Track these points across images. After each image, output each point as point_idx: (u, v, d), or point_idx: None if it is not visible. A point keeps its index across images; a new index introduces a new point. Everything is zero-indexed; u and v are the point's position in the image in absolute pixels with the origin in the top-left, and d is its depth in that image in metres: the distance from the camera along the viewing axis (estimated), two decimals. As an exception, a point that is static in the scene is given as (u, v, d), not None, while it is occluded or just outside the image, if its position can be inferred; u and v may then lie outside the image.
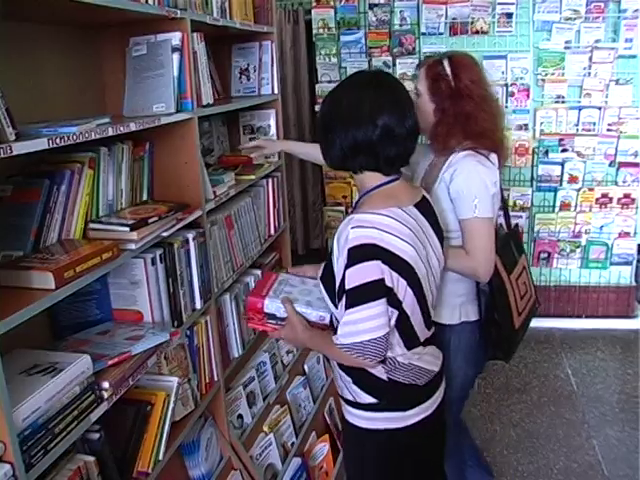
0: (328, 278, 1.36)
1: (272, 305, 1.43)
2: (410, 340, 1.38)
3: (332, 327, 1.41)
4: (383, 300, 1.27)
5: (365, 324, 1.26)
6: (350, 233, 1.26)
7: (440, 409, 1.48)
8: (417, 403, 1.41)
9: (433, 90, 1.69)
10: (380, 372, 1.37)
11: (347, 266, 1.26)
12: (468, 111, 1.64)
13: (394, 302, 1.30)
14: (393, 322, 1.32)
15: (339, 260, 1.29)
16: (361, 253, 1.25)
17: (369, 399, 1.40)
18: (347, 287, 1.27)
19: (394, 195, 1.37)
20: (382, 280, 1.26)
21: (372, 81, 1.38)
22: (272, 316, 1.44)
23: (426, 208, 1.43)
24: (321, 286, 1.41)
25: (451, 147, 1.67)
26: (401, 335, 1.36)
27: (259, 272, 2.21)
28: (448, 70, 1.67)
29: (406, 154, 1.39)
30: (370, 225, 1.26)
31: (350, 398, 1.44)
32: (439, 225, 1.47)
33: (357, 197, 1.44)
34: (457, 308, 1.76)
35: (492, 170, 1.65)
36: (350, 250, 1.25)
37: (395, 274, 1.27)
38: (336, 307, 1.35)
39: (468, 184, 1.61)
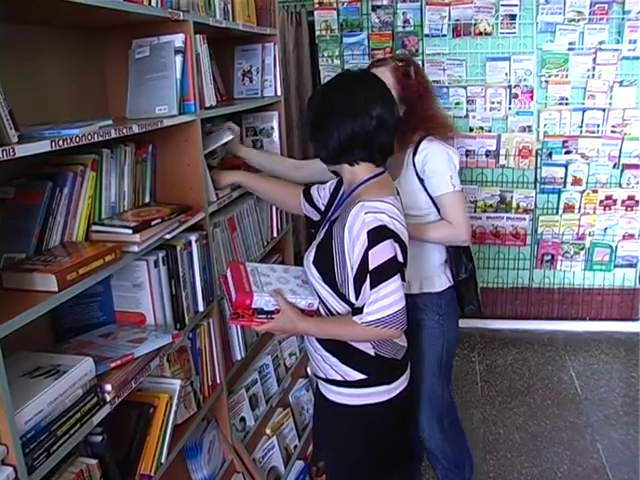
0: (325, 262, 1.46)
1: (261, 300, 1.44)
2: None
3: (320, 313, 1.50)
4: (399, 275, 1.40)
5: (391, 297, 1.37)
6: (366, 218, 1.37)
7: (410, 383, 1.62)
8: (398, 376, 1.55)
9: (403, 91, 1.83)
10: (368, 348, 1.49)
11: (368, 248, 1.36)
12: (432, 109, 1.87)
13: (403, 276, 1.43)
14: None
15: (355, 245, 1.38)
16: (378, 234, 1.37)
17: (359, 376, 1.50)
18: (371, 267, 1.37)
19: (387, 185, 1.51)
20: (396, 256, 1.39)
21: (361, 77, 1.52)
22: (260, 310, 1.45)
23: (400, 199, 1.57)
24: (314, 270, 1.48)
25: (412, 141, 1.86)
26: None
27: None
28: (412, 72, 1.86)
29: (392, 144, 1.51)
30: (380, 211, 1.38)
31: (337, 378, 1.52)
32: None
33: (348, 190, 1.52)
34: (443, 274, 1.98)
35: (455, 151, 1.89)
36: (369, 232, 1.36)
37: (401, 253, 1.41)
38: (332, 289, 1.46)
39: (441, 164, 1.83)
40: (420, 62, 3.56)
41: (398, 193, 1.57)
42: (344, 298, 1.46)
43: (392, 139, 1.50)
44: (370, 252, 1.36)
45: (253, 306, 1.44)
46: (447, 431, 2.09)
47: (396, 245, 1.39)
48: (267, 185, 1.95)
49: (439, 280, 1.96)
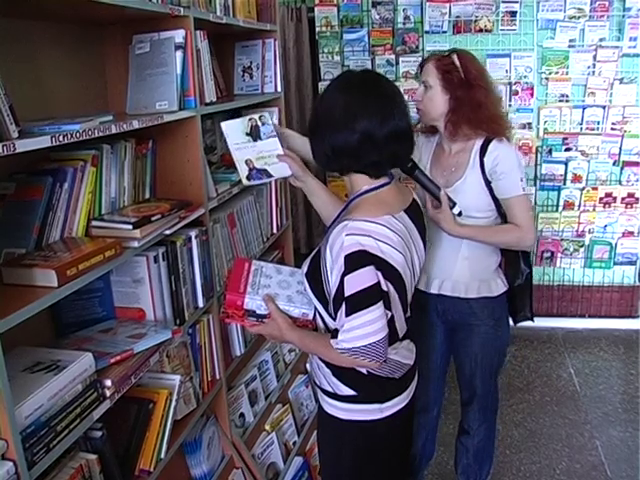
0: (315, 277, 1.37)
1: (252, 303, 1.41)
2: (391, 337, 1.39)
3: (315, 324, 1.44)
4: (381, 303, 1.28)
5: (367, 328, 1.27)
6: (345, 240, 1.26)
7: (413, 401, 1.53)
8: (393, 396, 1.45)
9: (445, 81, 1.79)
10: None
11: (344, 274, 1.26)
12: (479, 99, 1.77)
13: (387, 304, 1.31)
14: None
15: (334, 268, 1.29)
16: (356, 259, 1.25)
17: (348, 391, 1.43)
18: (347, 294, 1.27)
19: (386, 201, 1.37)
20: (378, 284, 1.27)
21: (356, 83, 1.36)
22: (252, 312, 1.42)
23: (415, 211, 1.45)
24: (306, 283, 1.42)
25: (463, 133, 1.80)
26: None
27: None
28: (457, 63, 1.79)
29: (394, 158, 1.38)
30: (366, 233, 1.26)
31: (329, 389, 1.46)
32: (424, 226, 1.50)
33: (347, 201, 1.44)
34: (499, 278, 1.94)
35: (520, 153, 1.86)
36: (346, 257, 1.25)
37: (386, 280, 1.30)
38: (322, 304, 1.38)
39: (513, 165, 1.78)
40: (420, 59, 3.55)
41: (414, 205, 1.45)
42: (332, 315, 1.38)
43: (389, 153, 1.34)
44: (346, 278, 1.25)
45: (245, 307, 1.41)
46: (488, 428, 2.12)
47: (379, 273, 1.27)
48: (326, 196, 1.63)
49: (495, 284, 1.92)
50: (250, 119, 1.56)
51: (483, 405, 2.08)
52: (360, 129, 1.29)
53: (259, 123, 1.56)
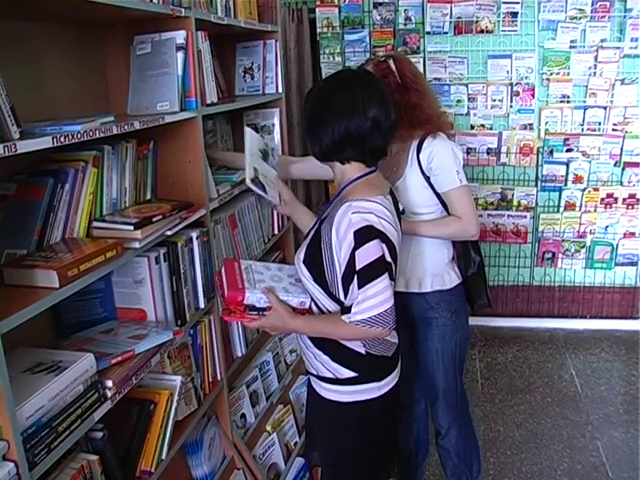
0: (314, 261, 1.46)
1: (253, 297, 1.44)
2: None
3: (312, 311, 1.50)
4: (387, 274, 1.39)
5: (379, 297, 1.37)
6: (352, 218, 1.36)
7: (400, 379, 1.63)
8: (388, 373, 1.56)
9: None
10: (359, 346, 1.50)
11: (355, 248, 1.36)
12: (414, 101, 1.83)
13: (392, 275, 1.42)
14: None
15: (342, 245, 1.38)
16: (365, 234, 1.36)
17: (349, 373, 1.51)
18: (358, 267, 1.37)
19: (377, 185, 1.50)
20: (383, 256, 1.38)
21: (360, 77, 1.50)
22: (252, 307, 1.46)
23: (394, 198, 1.57)
24: (304, 269, 1.48)
25: (399, 135, 1.80)
26: None
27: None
28: (393, 67, 1.85)
29: (386, 146, 1.51)
30: (368, 211, 1.38)
31: (329, 376, 1.53)
32: (399, 213, 1.60)
33: (338, 189, 1.52)
34: (452, 271, 1.98)
35: (458, 147, 1.90)
36: (356, 233, 1.36)
37: (388, 253, 1.40)
38: (323, 288, 1.46)
39: (447, 159, 1.83)
40: (422, 59, 3.56)
41: (391, 192, 1.56)
42: (334, 297, 1.46)
43: (386, 142, 1.49)
44: (357, 252, 1.36)
45: (245, 302, 1.44)
46: (461, 426, 2.12)
47: (383, 245, 1.38)
48: (311, 220, 1.78)
49: (449, 277, 1.96)
50: (267, 144, 1.88)
51: (450, 403, 2.07)
52: (371, 116, 1.42)
53: (270, 152, 1.91)
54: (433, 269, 1.94)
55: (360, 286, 1.37)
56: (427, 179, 1.86)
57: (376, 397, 1.52)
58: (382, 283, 1.37)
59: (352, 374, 1.50)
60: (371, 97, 1.43)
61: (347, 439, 1.56)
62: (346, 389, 1.52)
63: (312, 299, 1.50)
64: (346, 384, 1.51)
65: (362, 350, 1.50)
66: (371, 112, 1.41)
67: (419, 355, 2.06)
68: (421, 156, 1.84)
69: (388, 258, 1.40)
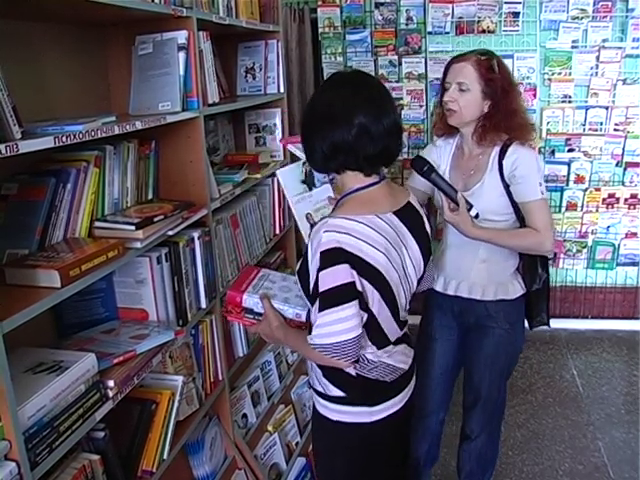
0: (303, 274, 1.37)
1: (250, 300, 1.45)
2: (380, 341, 1.40)
3: (308, 324, 1.42)
4: (355, 302, 1.28)
5: (338, 326, 1.27)
6: (323, 237, 1.27)
7: (407, 406, 1.50)
8: (384, 399, 1.44)
9: (488, 86, 1.76)
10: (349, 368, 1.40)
11: (319, 269, 1.27)
12: (514, 106, 1.78)
13: (363, 305, 1.31)
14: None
15: (312, 263, 1.30)
16: (331, 257, 1.26)
17: (337, 392, 1.43)
18: (320, 290, 1.28)
19: (372, 201, 1.37)
20: (353, 283, 1.27)
21: (347, 81, 1.38)
22: (250, 311, 1.47)
23: (408, 214, 1.42)
24: (297, 279, 1.42)
25: (491, 139, 1.79)
26: (370, 336, 1.38)
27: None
28: (496, 68, 1.76)
29: (387, 152, 1.38)
30: (344, 231, 1.27)
31: (320, 390, 1.46)
32: (423, 229, 1.47)
33: (337, 200, 1.45)
34: (516, 281, 1.92)
35: (540, 158, 1.82)
36: (322, 254, 1.26)
37: (363, 280, 1.29)
38: (310, 301, 1.37)
39: (532, 170, 1.76)
40: (423, 60, 3.56)
41: (406, 207, 1.42)
42: None
43: (382, 148, 1.34)
44: (320, 274, 1.27)
45: (243, 305, 1.46)
46: (492, 433, 2.09)
47: (354, 272, 1.27)
48: None
49: (513, 287, 1.90)
50: (304, 163, 1.60)
51: (488, 410, 2.04)
52: (357, 123, 1.30)
53: (310, 168, 1.62)
54: (498, 278, 1.89)
55: (320, 309, 1.28)
56: (506, 187, 1.78)
57: (366, 422, 1.42)
58: (345, 312, 1.26)
59: (340, 393, 1.42)
60: (357, 101, 1.32)
61: (339, 457, 1.49)
62: (334, 407, 1.44)
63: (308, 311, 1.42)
64: (335, 402, 1.44)
65: (352, 372, 1.39)
66: (356, 118, 1.30)
67: (467, 361, 2.03)
68: (504, 162, 1.77)
69: (359, 286, 1.28)
